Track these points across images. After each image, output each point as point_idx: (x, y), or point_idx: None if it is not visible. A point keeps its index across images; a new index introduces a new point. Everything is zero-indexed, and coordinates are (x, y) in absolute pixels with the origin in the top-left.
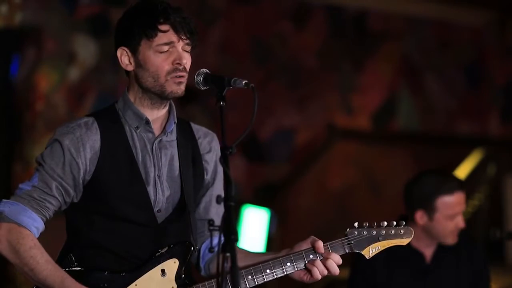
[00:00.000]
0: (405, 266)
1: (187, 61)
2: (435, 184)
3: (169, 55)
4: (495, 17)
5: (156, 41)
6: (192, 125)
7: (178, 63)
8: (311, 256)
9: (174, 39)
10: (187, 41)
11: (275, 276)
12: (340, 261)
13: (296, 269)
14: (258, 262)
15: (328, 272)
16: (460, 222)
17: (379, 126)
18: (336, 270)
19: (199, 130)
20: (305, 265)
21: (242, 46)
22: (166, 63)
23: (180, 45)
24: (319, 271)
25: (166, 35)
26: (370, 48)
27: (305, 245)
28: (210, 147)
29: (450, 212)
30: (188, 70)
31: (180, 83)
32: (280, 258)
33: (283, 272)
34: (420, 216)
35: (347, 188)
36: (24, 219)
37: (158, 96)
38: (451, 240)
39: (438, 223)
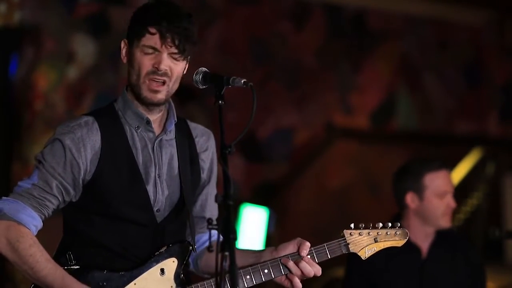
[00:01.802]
0: (401, 260)
1: (169, 68)
2: (421, 163)
3: (153, 58)
4: (494, 16)
5: (143, 41)
6: (189, 123)
7: (156, 67)
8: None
9: (158, 44)
10: (174, 49)
11: (273, 276)
12: (318, 271)
13: (283, 273)
14: (256, 261)
15: (301, 274)
16: (451, 201)
17: (378, 126)
18: (309, 272)
19: (195, 128)
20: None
21: (241, 46)
22: (149, 64)
23: (165, 51)
24: (293, 273)
25: (152, 38)
26: (369, 47)
27: (291, 246)
28: (207, 145)
29: (439, 189)
30: (173, 77)
31: (155, 91)
32: (279, 258)
33: (281, 272)
34: (411, 199)
35: (346, 187)
36: (23, 217)
37: (137, 98)
38: (444, 222)
39: (428, 202)
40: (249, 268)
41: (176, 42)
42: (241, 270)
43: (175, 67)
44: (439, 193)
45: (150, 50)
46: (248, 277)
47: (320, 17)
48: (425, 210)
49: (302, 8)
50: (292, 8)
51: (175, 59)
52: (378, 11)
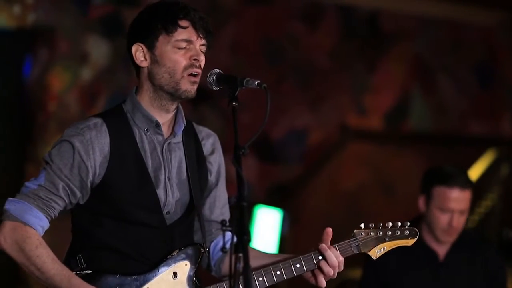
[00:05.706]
0: (418, 263)
1: (203, 60)
2: (439, 172)
3: (187, 52)
4: (506, 17)
5: (175, 36)
6: (195, 125)
7: (195, 59)
8: (320, 257)
9: (193, 36)
10: (204, 41)
11: (285, 278)
12: (340, 258)
13: (305, 270)
14: (269, 263)
15: (332, 269)
16: (453, 221)
17: (392, 127)
18: (334, 263)
19: (201, 131)
20: (314, 266)
21: (254, 47)
22: (184, 59)
23: (197, 43)
24: (324, 272)
25: (186, 31)
26: (383, 48)
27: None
28: (213, 148)
29: (442, 204)
30: (201, 70)
31: (194, 82)
32: (290, 260)
33: (293, 273)
34: (422, 202)
35: (360, 188)
36: (29, 217)
37: (170, 95)
38: (443, 236)
39: (431, 212)
40: (280, 263)
41: (206, 33)
42: (270, 266)
43: (203, 60)
44: (441, 208)
45: (184, 44)
46: (278, 272)
47: (333, 18)
48: (429, 218)
49: (315, 8)
50: (305, 9)
51: (202, 51)
52: (391, 12)
